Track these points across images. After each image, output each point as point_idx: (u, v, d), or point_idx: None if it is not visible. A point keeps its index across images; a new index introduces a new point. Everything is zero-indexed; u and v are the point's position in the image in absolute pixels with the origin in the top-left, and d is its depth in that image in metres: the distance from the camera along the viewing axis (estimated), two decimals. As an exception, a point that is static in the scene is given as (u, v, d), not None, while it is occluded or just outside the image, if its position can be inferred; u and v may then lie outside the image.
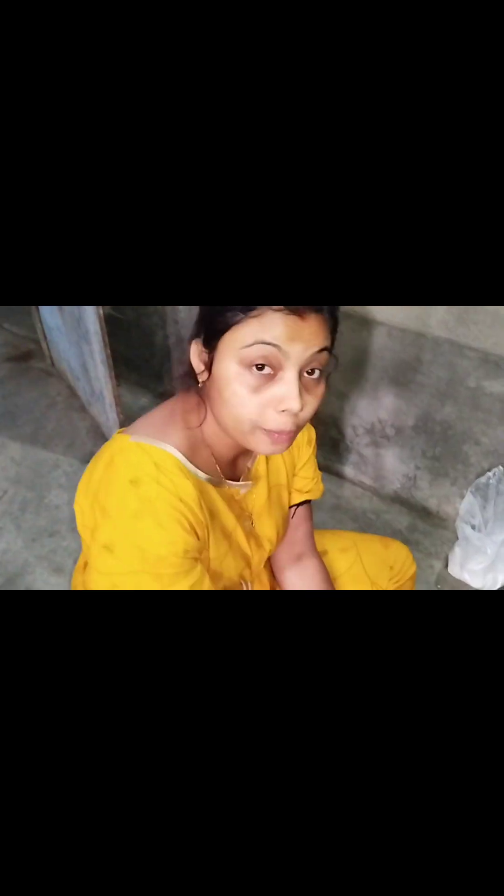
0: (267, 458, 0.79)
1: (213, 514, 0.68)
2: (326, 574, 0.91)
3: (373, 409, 1.61)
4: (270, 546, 0.82)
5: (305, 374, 0.59)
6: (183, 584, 0.59)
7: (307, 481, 0.85)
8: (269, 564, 0.92)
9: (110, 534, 0.58)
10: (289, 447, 0.63)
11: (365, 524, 1.66)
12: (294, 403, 0.58)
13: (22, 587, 1.46)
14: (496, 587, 1.45)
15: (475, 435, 1.46)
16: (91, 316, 1.52)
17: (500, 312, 1.29)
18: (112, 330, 1.54)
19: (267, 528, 0.80)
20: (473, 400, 1.42)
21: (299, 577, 0.89)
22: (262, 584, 0.90)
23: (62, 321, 1.88)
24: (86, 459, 1.84)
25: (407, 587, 1.03)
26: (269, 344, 0.56)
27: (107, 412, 1.74)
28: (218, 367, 0.60)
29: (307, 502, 0.88)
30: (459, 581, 1.49)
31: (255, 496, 0.77)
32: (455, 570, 1.50)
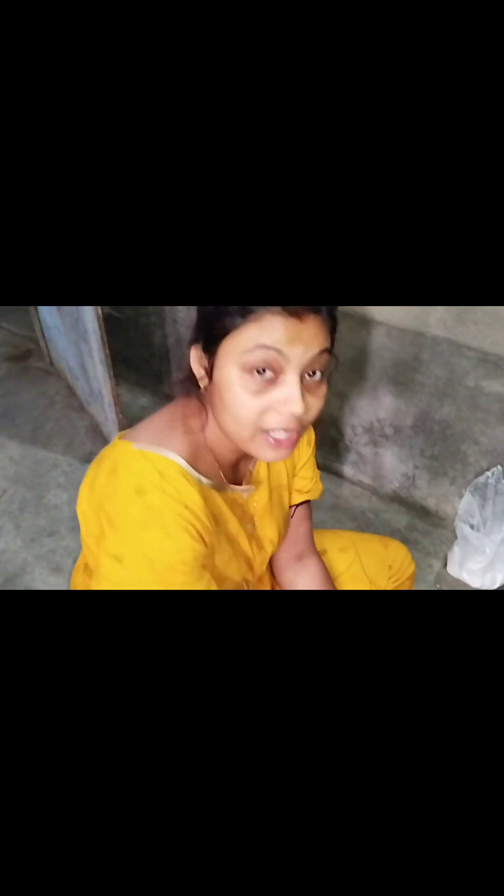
0: None
1: (217, 520, 0.68)
2: (327, 573, 0.91)
3: (372, 408, 1.61)
4: (272, 547, 0.82)
5: (307, 377, 0.59)
6: None
7: (307, 481, 0.85)
8: (270, 565, 0.92)
9: (118, 544, 0.58)
10: (291, 453, 0.63)
11: (364, 523, 1.66)
12: (297, 406, 0.57)
13: (21, 587, 1.46)
14: (495, 586, 1.45)
15: (474, 434, 1.46)
16: (90, 315, 1.52)
17: (498, 312, 1.29)
18: (111, 329, 1.54)
19: (269, 529, 0.80)
20: (472, 399, 1.42)
21: (300, 577, 0.89)
22: (264, 585, 0.90)
23: (61, 320, 1.88)
24: (85, 459, 1.84)
25: (406, 586, 1.04)
26: (269, 348, 0.56)
27: (105, 411, 1.74)
28: (219, 372, 0.60)
29: (307, 502, 0.88)
30: (458, 580, 1.49)
31: (258, 499, 0.77)
32: (454, 569, 1.50)
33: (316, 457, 0.87)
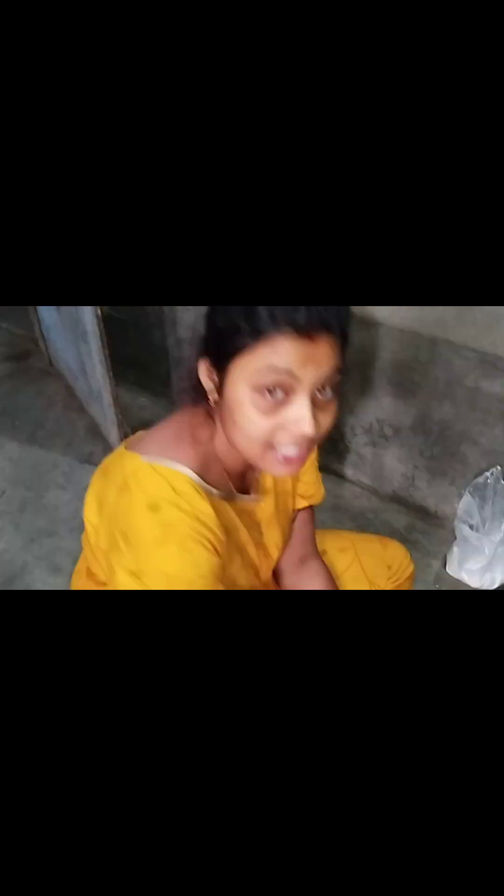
0: None
1: (228, 531, 0.68)
2: (330, 575, 0.91)
3: (371, 409, 1.61)
4: (277, 553, 0.83)
5: (318, 394, 0.59)
6: None
7: (310, 486, 0.86)
8: (273, 570, 0.92)
9: (135, 560, 0.58)
10: (300, 469, 0.63)
11: (363, 523, 1.66)
12: (307, 427, 0.57)
13: (21, 587, 1.46)
14: (494, 586, 1.46)
15: (473, 435, 1.46)
16: (89, 315, 1.52)
17: (497, 313, 1.29)
18: (110, 329, 1.54)
19: (274, 536, 0.81)
20: (471, 400, 1.42)
21: (303, 581, 0.90)
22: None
23: (60, 320, 1.88)
24: (84, 459, 1.84)
25: (405, 587, 1.04)
26: (280, 370, 0.56)
27: (105, 412, 1.74)
28: (228, 389, 0.59)
29: (310, 506, 0.88)
30: (457, 580, 1.49)
31: (265, 506, 0.78)
32: (453, 569, 1.50)
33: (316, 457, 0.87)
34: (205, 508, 0.60)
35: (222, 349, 0.59)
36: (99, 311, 1.49)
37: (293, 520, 0.87)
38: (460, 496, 1.51)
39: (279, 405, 0.58)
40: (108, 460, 0.68)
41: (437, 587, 1.49)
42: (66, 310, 1.74)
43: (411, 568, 1.03)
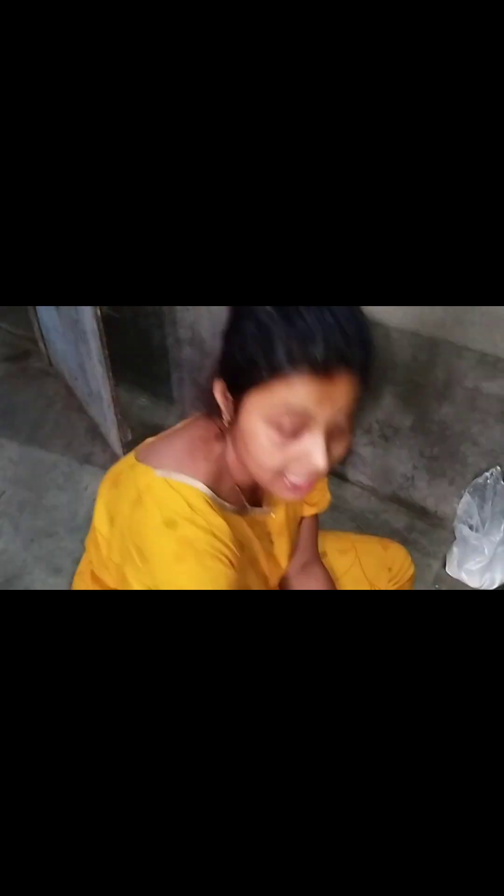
0: None
1: (242, 545, 0.68)
2: (330, 580, 0.92)
3: (370, 409, 1.61)
4: (286, 562, 0.83)
5: (333, 428, 0.58)
6: None
7: (316, 493, 0.86)
8: None
9: (152, 577, 0.58)
10: (308, 494, 0.63)
11: (363, 524, 1.66)
12: (319, 462, 0.57)
13: (20, 588, 1.46)
14: (493, 587, 1.46)
15: (473, 435, 1.47)
16: (88, 316, 1.51)
17: (497, 313, 1.29)
18: (110, 330, 1.54)
19: (284, 545, 0.81)
20: (471, 400, 1.42)
21: (304, 585, 0.90)
22: None
23: (60, 321, 1.87)
24: (84, 460, 1.84)
25: (405, 588, 1.04)
26: (296, 408, 0.55)
27: (104, 412, 1.74)
28: (243, 418, 0.59)
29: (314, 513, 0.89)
30: (457, 581, 1.49)
31: (275, 517, 0.78)
32: (453, 569, 1.50)
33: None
34: (219, 524, 0.60)
35: (238, 380, 0.58)
36: (98, 312, 1.48)
37: (299, 526, 0.87)
38: (460, 496, 1.51)
39: (293, 438, 0.57)
40: (118, 469, 0.67)
41: (436, 587, 1.49)
42: (66, 310, 1.74)
43: (412, 570, 1.03)
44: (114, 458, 1.80)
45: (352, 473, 1.78)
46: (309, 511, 0.87)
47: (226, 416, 0.63)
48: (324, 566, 0.92)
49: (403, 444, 1.61)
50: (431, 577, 1.51)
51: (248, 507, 0.71)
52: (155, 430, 1.95)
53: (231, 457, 0.67)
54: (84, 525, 1.61)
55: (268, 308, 0.55)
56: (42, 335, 2.22)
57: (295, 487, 0.61)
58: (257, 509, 0.73)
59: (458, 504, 1.50)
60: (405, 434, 1.59)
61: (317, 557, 0.92)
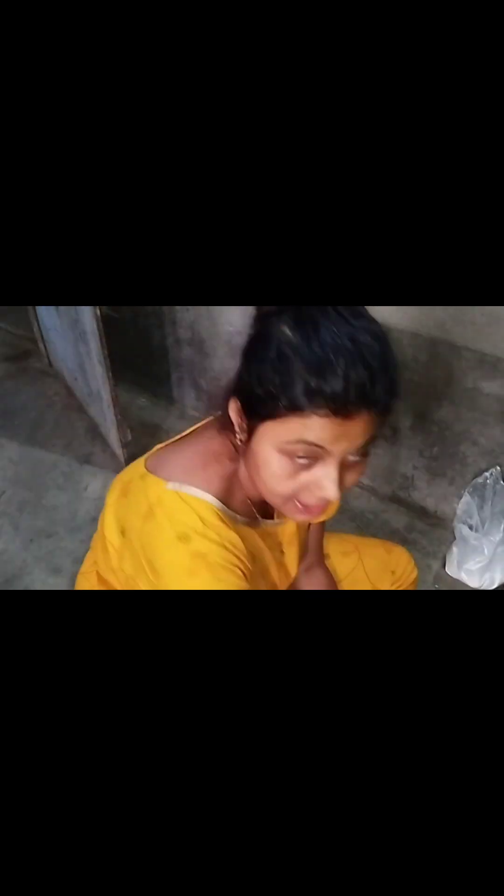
0: None
1: (253, 557, 0.68)
2: (333, 582, 0.92)
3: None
4: (295, 570, 0.83)
5: (348, 459, 0.57)
6: None
7: None
8: None
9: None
10: (319, 517, 0.62)
11: (363, 524, 1.66)
12: (331, 493, 0.56)
13: (20, 588, 1.46)
14: (493, 586, 1.46)
15: (472, 435, 1.47)
16: (88, 316, 1.51)
17: (496, 313, 1.29)
18: (109, 330, 1.54)
19: (294, 554, 0.81)
20: (470, 400, 1.42)
21: (307, 587, 0.90)
22: None
23: (59, 321, 1.87)
24: (84, 460, 1.83)
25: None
26: (310, 443, 0.54)
27: (104, 412, 1.74)
28: (256, 443, 0.58)
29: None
30: (457, 580, 1.49)
31: (286, 527, 0.78)
32: (452, 569, 1.50)
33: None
34: (231, 537, 0.60)
35: (254, 407, 0.57)
36: (98, 312, 1.48)
37: (308, 532, 0.87)
38: (459, 496, 1.51)
39: (306, 467, 0.56)
40: (127, 478, 0.66)
41: (436, 587, 1.49)
42: (66, 310, 1.74)
43: (415, 573, 1.03)
44: (114, 459, 1.80)
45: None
46: (317, 518, 0.87)
47: (239, 435, 0.62)
48: (327, 568, 0.92)
49: (403, 444, 1.61)
50: (431, 576, 1.51)
51: (260, 519, 0.71)
52: (154, 430, 1.94)
53: (242, 471, 0.66)
54: (84, 525, 1.61)
55: (290, 336, 0.53)
56: (42, 335, 2.22)
57: (306, 509, 0.60)
58: (268, 521, 0.73)
59: (458, 504, 1.50)
60: (405, 434, 1.59)
61: (321, 560, 0.92)
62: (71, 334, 1.77)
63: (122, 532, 0.64)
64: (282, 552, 0.78)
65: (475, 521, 1.44)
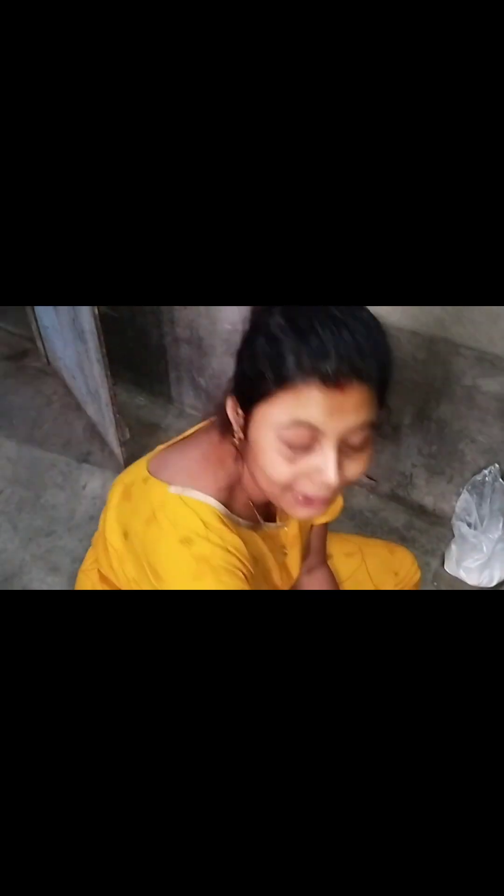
0: None
1: (256, 560, 0.68)
2: (335, 583, 0.92)
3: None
4: (298, 572, 0.83)
5: (347, 445, 0.56)
6: None
7: None
8: None
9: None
10: (323, 513, 0.61)
11: (362, 522, 1.66)
12: (330, 477, 0.55)
13: (18, 587, 1.46)
14: (492, 584, 1.46)
15: (471, 433, 1.47)
16: (86, 315, 1.51)
17: (495, 311, 1.29)
18: (108, 328, 1.53)
19: (296, 556, 0.81)
20: (469, 398, 1.42)
21: (309, 588, 0.90)
22: None
23: (57, 320, 1.87)
24: (82, 458, 1.83)
25: (409, 592, 1.04)
26: (305, 423, 0.53)
27: (103, 411, 1.74)
28: (253, 433, 0.58)
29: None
30: (455, 578, 1.49)
31: (288, 530, 0.78)
32: (451, 567, 1.50)
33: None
34: (234, 540, 0.60)
35: (248, 393, 0.57)
36: (96, 311, 1.48)
37: (310, 533, 0.87)
38: (458, 494, 1.51)
39: (303, 452, 0.56)
40: (129, 480, 0.66)
41: (435, 585, 1.49)
42: (64, 309, 1.74)
43: (418, 575, 1.03)
44: (112, 457, 1.80)
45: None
46: (320, 519, 0.87)
47: (238, 432, 0.61)
48: (329, 569, 0.92)
49: (402, 442, 1.61)
50: (430, 574, 1.51)
51: (262, 522, 0.71)
52: (153, 428, 1.94)
53: (244, 473, 0.66)
54: (83, 524, 1.61)
55: (280, 321, 0.54)
56: (40, 334, 2.21)
57: (307, 501, 0.59)
58: (271, 524, 0.73)
59: (457, 502, 1.50)
60: (403, 432, 1.59)
61: (323, 561, 0.92)
62: (69, 333, 1.77)
63: (125, 535, 0.64)
64: (284, 554, 0.78)
65: (474, 518, 1.44)
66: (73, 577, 0.87)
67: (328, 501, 0.60)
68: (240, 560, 0.60)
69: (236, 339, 0.61)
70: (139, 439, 1.80)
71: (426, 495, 1.65)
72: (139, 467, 0.66)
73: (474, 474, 1.48)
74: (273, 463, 0.57)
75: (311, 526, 0.87)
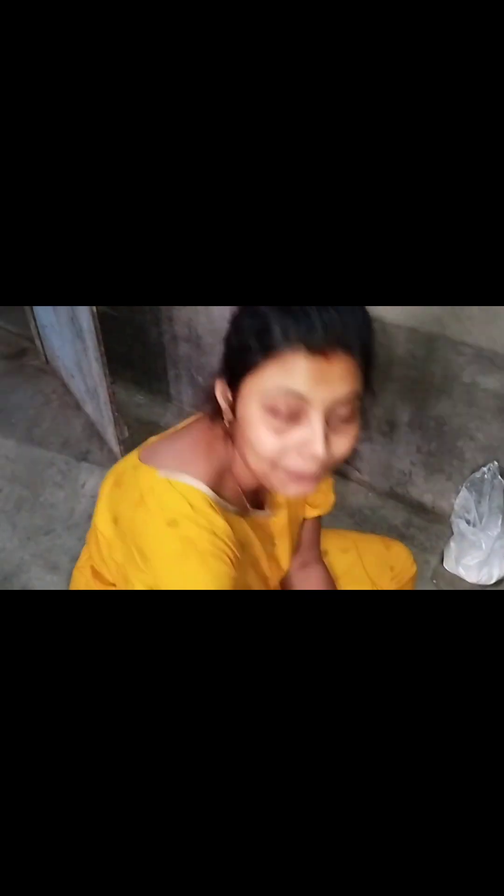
0: None
1: (243, 546, 0.68)
2: (331, 579, 0.92)
3: (367, 405, 1.61)
4: (287, 564, 0.83)
5: (334, 417, 0.57)
6: None
7: (320, 495, 0.86)
8: None
9: (154, 577, 0.58)
10: (313, 490, 0.62)
11: (361, 520, 1.66)
12: (318, 448, 0.56)
13: (17, 586, 1.46)
14: (491, 582, 1.46)
15: (470, 430, 1.47)
16: (85, 314, 1.51)
17: (494, 309, 1.29)
18: (106, 327, 1.53)
19: (285, 547, 0.81)
20: (468, 396, 1.42)
21: (303, 584, 0.90)
22: None
23: (56, 319, 1.87)
24: (81, 457, 1.83)
25: (407, 587, 1.03)
26: (291, 392, 0.54)
27: (101, 409, 1.74)
28: (241, 408, 0.59)
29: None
30: (454, 576, 1.49)
31: (277, 520, 0.78)
32: (450, 564, 1.50)
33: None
34: (221, 524, 0.60)
35: (235, 367, 0.58)
36: (95, 309, 1.48)
37: (301, 527, 0.87)
38: (457, 492, 1.51)
39: (290, 424, 0.56)
40: (121, 469, 0.67)
41: (434, 583, 1.49)
42: (63, 308, 1.74)
43: (414, 569, 1.03)
44: (111, 456, 1.80)
45: (349, 470, 1.78)
46: (312, 513, 0.86)
47: (226, 414, 0.62)
48: (324, 565, 0.92)
49: (401, 439, 1.61)
50: (429, 572, 1.51)
51: (250, 509, 0.71)
52: (152, 427, 1.95)
53: (234, 459, 0.66)
54: (82, 522, 1.61)
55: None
56: (39, 333, 2.21)
57: (297, 477, 0.59)
58: (259, 512, 0.73)
59: (456, 499, 1.50)
60: (402, 430, 1.59)
61: (318, 558, 0.92)
62: (68, 332, 1.77)
63: (115, 521, 0.64)
64: (273, 544, 0.78)
65: (473, 516, 1.44)
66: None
67: (317, 477, 0.60)
68: (226, 544, 0.60)
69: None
70: (138, 438, 1.79)
71: (425, 493, 1.65)
72: (131, 457, 0.67)
73: (473, 472, 1.48)
74: (261, 436, 0.57)
75: (303, 520, 0.87)
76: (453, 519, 1.49)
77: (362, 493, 1.75)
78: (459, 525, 1.46)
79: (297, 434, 0.56)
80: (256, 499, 0.74)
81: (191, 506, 0.59)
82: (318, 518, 0.89)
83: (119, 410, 1.70)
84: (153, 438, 0.70)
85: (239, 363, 0.57)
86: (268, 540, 0.77)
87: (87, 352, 1.63)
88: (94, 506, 1.66)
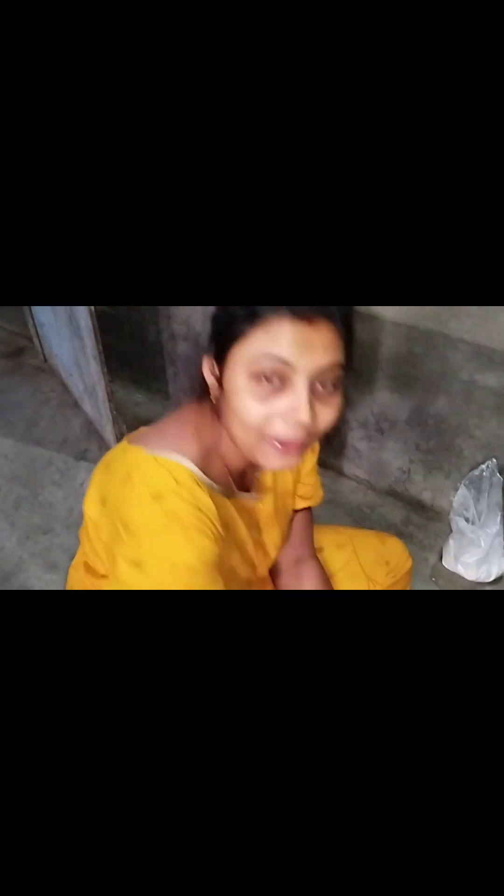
0: None
1: (227, 526, 0.68)
2: (326, 577, 0.91)
3: (366, 403, 1.61)
4: (276, 553, 0.83)
5: (318, 386, 0.58)
6: None
7: (309, 487, 0.86)
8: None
9: (137, 550, 0.57)
10: (298, 462, 0.62)
11: (360, 518, 1.66)
12: (303, 414, 0.57)
13: (16, 585, 1.46)
14: (490, 579, 1.46)
15: (468, 428, 1.47)
16: (83, 312, 1.51)
17: (492, 306, 1.29)
18: (104, 325, 1.53)
19: (273, 535, 0.81)
20: (466, 393, 1.42)
21: (297, 580, 0.90)
22: (267, 587, 0.91)
23: (54, 317, 1.87)
24: (80, 456, 1.83)
25: (403, 582, 1.04)
26: (276, 357, 0.55)
27: (100, 408, 1.74)
28: (227, 379, 0.59)
29: (308, 507, 0.89)
30: (453, 573, 1.49)
31: (263, 505, 0.78)
32: (449, 562, 1.50)
33: (311, 453, 0.88)
34: (205, 500, 0.60)
35: (220, 339, 0.59)
36: (93, 308, 1.48)
37: (292, 520, 0.87)
38: (456, 489, 1.51)
39: (276, 392, 0.57)
40: (110, 455, 0.68)
41: (433, 580, 1.49)
42: (61, 307, 1.73)
43: (410, 563, 1.03)
44: (109, 455, 1.80)
45: (348, 468, 1.78)
46: (301, 504, 0.86)
47: (213, 390, 0.63)
48: (319, 562, 0.92)
49: (399, 437, 1.61)
50: (428, 570, 1.51)
51: (236, 490, 0.71)
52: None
53: (221, 439, 0.67)
54: (80, 521, 1.61)
55: None
56: (37, 332, 2.21)
57: (283, 448, 0.60)
58: (245, 494, 0.73)
59: (455, 497, 1.50)
60: (401, 427, 1.59)
61: (311, 553, 0.91)
62: (66, 331, 1.77)
63: (103, 502, 0.64)
64: (259, 530, 0.78)
65: (471, 514, 1.45)
66: (70, 574, 0.87)
67: (303, 446, 0.61)
68: (210, 521, 0.60)
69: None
70: (136, 436, 1.79)
71: (424, 491, 1.65)
72: (121, 443, 0.68)
73: (472, 469, 1.48)
74: (246, 404, 0.58)
75: (293, 511, 0.87)
76: (452, 516, 1.49)
77: (361, 491, 1.75)
78: (458, 523, 1.46)
79: (283, 401, 0.58)
80: (243, 482, 0.74)
81: (176, 481, 0.59)
82: (310, 512, 0.89)
83: (117, 409, 1.70)
84: (143, 428, 0.71)
85: (226, 333, 0.58)
86: (254, 525, 0.77)
87: (85, 350, 1.63)
88: (92, 504, 1.63)
